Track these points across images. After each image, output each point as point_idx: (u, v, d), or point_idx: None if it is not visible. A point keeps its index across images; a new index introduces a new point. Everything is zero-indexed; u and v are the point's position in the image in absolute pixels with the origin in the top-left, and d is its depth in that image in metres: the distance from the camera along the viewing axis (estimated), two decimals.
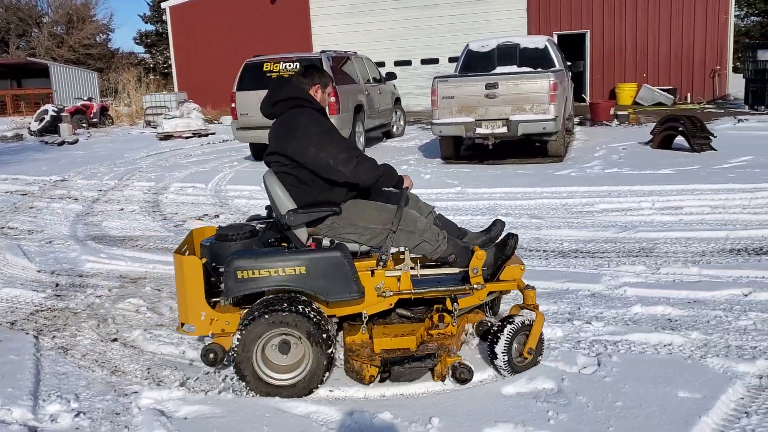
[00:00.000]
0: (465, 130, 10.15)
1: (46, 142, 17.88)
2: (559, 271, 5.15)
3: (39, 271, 5.87)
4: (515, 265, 3.71)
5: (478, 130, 10.11)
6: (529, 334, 3.49)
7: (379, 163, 3.68)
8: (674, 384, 3.27)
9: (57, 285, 5.46)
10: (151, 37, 44.88)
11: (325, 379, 3.43)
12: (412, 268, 3.59)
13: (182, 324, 3.61)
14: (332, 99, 11.31)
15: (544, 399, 3.21)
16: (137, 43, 47.92)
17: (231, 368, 3.61)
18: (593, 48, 21.11)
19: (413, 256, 3.69)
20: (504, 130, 9.98)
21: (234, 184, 9.87)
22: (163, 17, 27.88)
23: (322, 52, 12.18)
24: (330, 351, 3.39)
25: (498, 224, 4.05)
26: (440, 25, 21.88)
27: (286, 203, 3.63)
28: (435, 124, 10.43)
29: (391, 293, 3.56)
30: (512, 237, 3.76)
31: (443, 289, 3.64)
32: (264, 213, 4.17)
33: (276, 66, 11.75)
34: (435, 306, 3.79)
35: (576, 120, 15.17)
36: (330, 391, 3.44)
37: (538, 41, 11.72)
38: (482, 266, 3.62)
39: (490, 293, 3.74)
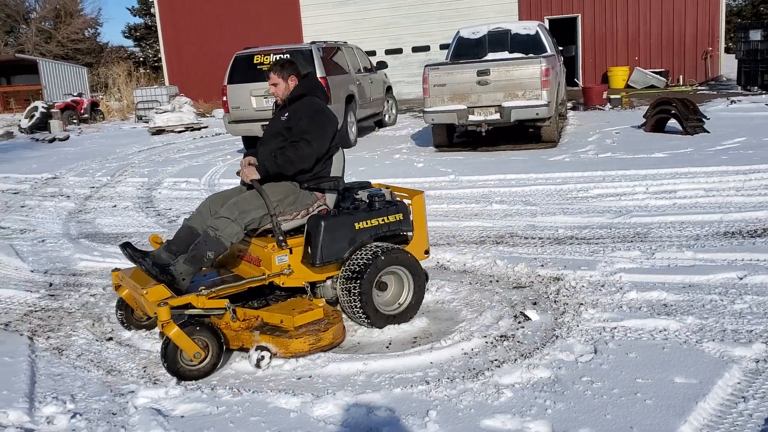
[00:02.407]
0: (457, 117, 10.12)
1: (37, 139, 17.75)
2: (554, 258, 5.14)
3: (32, 271, 5.83)
4: None
5: (471, 117, 10.08)
6: None
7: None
8: (670, 370, 3.27)
9: (50, 285, 5.42)
10: (140, 31, 44.62)
11: None
12: None
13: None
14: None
15: (542, 389, 3.21)
16: (126, 37, 47.66)
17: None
18: (585, 32, 21.06)
19: None
20: (497, 116, 9.96)
21: (227, 177, 9.82)
22: (152, 10, 27.66)
23: (312, 43, 12.11)
24: None
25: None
26: (431, 12, 21.79)
27: None
28: (427, 112, 10.39)
29: None
30: None
31: None
32: None
33: (266, 58, 11.67)
34: None
35: (569, 105, 15.15)
36: (325, 385, 3.43)
37: (529, 27, 11.67)
38: None
39: None
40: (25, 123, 20.25)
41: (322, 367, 3.62)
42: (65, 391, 3.52)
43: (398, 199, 4.39)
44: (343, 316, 4.08)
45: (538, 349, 3.65)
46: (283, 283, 3.99)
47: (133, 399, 3.36)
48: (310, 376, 3.55)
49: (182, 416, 3.21)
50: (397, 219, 4.17)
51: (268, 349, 3.70)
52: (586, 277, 4.67)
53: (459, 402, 3.15)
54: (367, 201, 4.23)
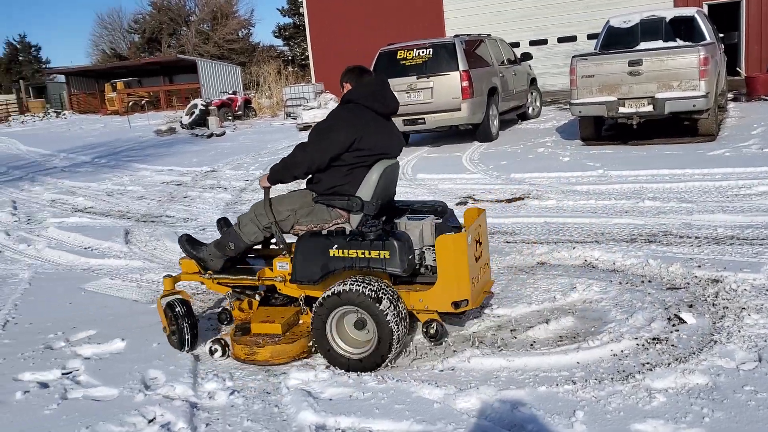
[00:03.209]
0: (606, 109, 9.75)
1: (196, 135, 19.04)
2: (712, 259, 4.83)
3: None
4: None
5: (621, 110, 9.68)
6: None
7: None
8: None
9: None
10: (289, 30, 46.55)
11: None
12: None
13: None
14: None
15: (698, 395, 3.04)
16: (276, 36, 49.91)
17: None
18: (749, 17, 19.49)
19: None
20: (649, 108, 9.49)
21: None
22: (300, 10, 28.78)
23: (456, 36, 12.09)
24: None
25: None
26: (577, 2, 21.04)
27: None
28: (574, 105, 10.09)
29: None
30: None
31: None
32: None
33: (409, 53, 11.81)
34: None
35: (729, 96, 14.12)
36: (468, 379, 3.44)
37: (687, 13, 11.00)
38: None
39: None
40: (186, 119, 21.76)
41: (464, 361, 3.63)
42: (224, 369, 3.78)
43: (402, 230, 3.88)
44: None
45: (694, 353, 3.45)
46: (279, 290, 4.04)
47: (285, 380, 3.55)
48: (452, 369, 3.57)
49: (330, 399, 3.34)
50: (381, 256, 3.62)
51: (225, 345, 3.98)
52: (749, 280, 4.35)
53: (607, 404, 3.05)
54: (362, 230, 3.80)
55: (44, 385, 3.71)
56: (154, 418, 3.25)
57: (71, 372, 3.87)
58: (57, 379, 3.79)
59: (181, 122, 22.07)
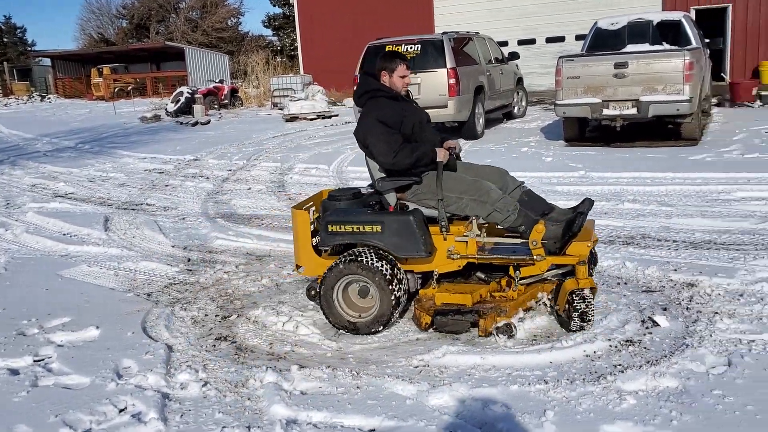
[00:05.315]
0: (591, 111, 9.80)
1: (181, 123, 18.90)
2: (689, 263, 4.87)
3: (173, 246, 6.25)
4: (582, 243, 3.86)
5: (605, 112, 9.73)
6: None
7: (417, 148, 4.12)
8: None
9: (189, 260, 5.79)
10: (278, 20, 46.21)
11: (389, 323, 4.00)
12: (477, 235, 4.01)
13: (297, 266, 4.38)
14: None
15: (668, 398, 3.06)
16: (265, 26, 49.64)
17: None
18: (735, 23, 19.63)
19: (482, 223, 4.09)
20: (633, 111, 9.55)
21: (354, 165, 10.03)
22: (290, 0, 28.62)
23: (444, 33, 12.09)
24: (392, 298, 3.90)
25: (586, 202, 4.13)
26: (567, 2, 21.10)
27: (377, 172, 4.24)
28: (559, 105, 10.13)
29: (459, 256, 4.02)
30: (581, 215, 3.93)
31: (505, 257, 4.00)
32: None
33: (398, 48, 11.77)
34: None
35: (714, 101, 14.24)
36: (441, 376, 3.45)
37: (674, 17, 11.07)
38: (543, 239, 3.85)
39: (554, 266, 3.97)
40: (171, 107, 21.59)
41: (439, 357, 3.64)
42: (198, 360, 3.76)
43: None
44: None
45: (665, 356, 3.48)
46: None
47: (258, 373, 3.53)
48: (426, 366, 3.58)
49: (303, 393, 3.33)
50: None
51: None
52: (724, 284, 4.40)
53: (578, 404, 3.07)
54: None
55: (14, 372, 3.67)
56: (125, 408, 3.23)
57: (43, 359, 3.83)
58: (28, 366, 3.75)
59: (166, 110, 21.89)
